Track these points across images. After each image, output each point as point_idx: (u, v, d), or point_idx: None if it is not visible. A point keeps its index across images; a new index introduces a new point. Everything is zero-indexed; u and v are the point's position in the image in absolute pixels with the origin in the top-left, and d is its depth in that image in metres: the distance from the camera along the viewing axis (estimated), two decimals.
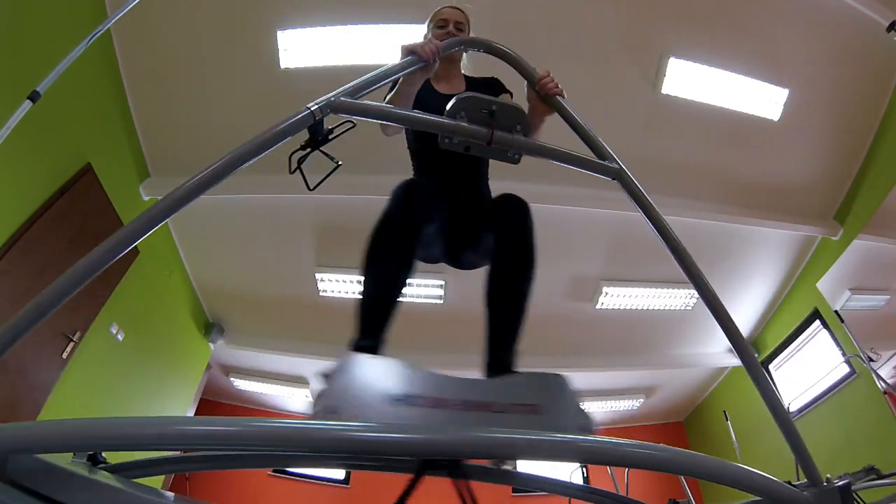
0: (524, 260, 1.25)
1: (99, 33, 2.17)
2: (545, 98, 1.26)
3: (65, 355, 2.93)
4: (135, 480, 1.02)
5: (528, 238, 1.27)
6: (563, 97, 1.26)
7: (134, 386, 3.76)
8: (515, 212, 1.30)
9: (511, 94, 1.57)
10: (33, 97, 1.95)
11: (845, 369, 3.89)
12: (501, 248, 1.28)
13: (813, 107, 3.63)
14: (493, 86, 1.64)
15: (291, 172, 1.05)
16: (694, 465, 0.75)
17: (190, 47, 3.28)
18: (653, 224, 1.06)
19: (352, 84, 1.06)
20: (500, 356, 1.14)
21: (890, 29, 2.87)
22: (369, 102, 1.07)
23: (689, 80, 3.42)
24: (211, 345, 4.99)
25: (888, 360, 3.37)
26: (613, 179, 1.12)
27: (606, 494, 1.37)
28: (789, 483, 0.80)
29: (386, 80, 1.16)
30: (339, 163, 1.10)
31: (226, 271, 4.58)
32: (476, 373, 1.12)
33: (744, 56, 3.37)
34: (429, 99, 1.39)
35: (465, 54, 1.67)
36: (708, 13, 3.24)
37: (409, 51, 1.22)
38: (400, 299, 1.17)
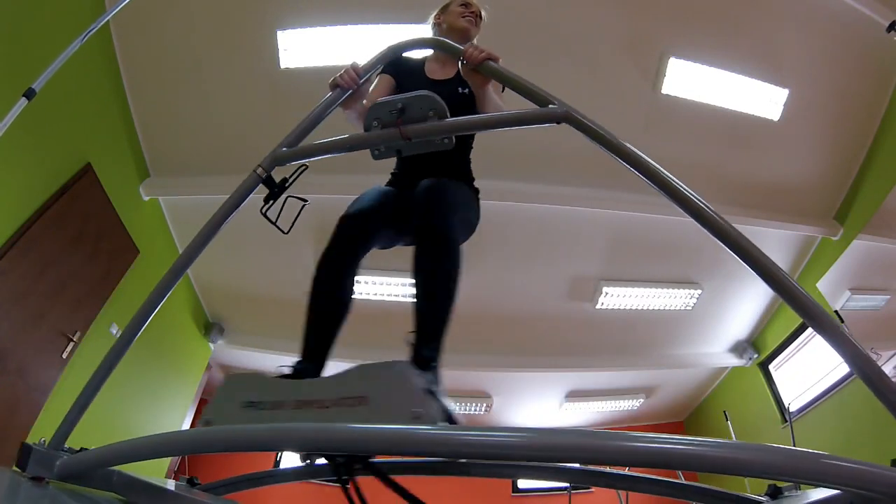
0: (433, 250, 1.23)
1: (96, 28, 2.16)
2: (476, 68, 1.27)
3: (65, 355, 2.93)
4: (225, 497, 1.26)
5: (436, 230, 1.24)
6: (496, 60, 1.26)
7: (134, 386, 3.76)
8: (429, 199, 1.29)
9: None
10: (29, 94, 1.93)
11: (845, 369, 3.89)
12: (416, 239, 1.28)
13: (813, 107, 3.63)
14: None
15: (271, 223, 1.18)
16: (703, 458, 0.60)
17: (190, 47, 3.28)
18: (615, 153, 1.02)
19: (289, 134, 1.19)
20: (419, 352, 1.12)
21: (890, 29, 2.87)
22: (307, 145, 1.19)
23: (689, 80, 3.42)
24: (211, 345, 4.99)
25: (888, 360, 3.37)
26: (560, 123, 1.07)
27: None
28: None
29: (320, 120, 1.24)
30: (307, 201, 1.22)
31: (226, 271, 4.58)
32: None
33: (744, 56, 3.37)
34: (417, 87, 1.39)
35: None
36: (708, 13, 3.24)
37: (333, 85, 1.31)
38: (339, 327, 1.26)
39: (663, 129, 3.63)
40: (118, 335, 1.05)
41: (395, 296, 4.39)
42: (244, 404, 0.93)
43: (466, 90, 1.49)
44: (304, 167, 1.19)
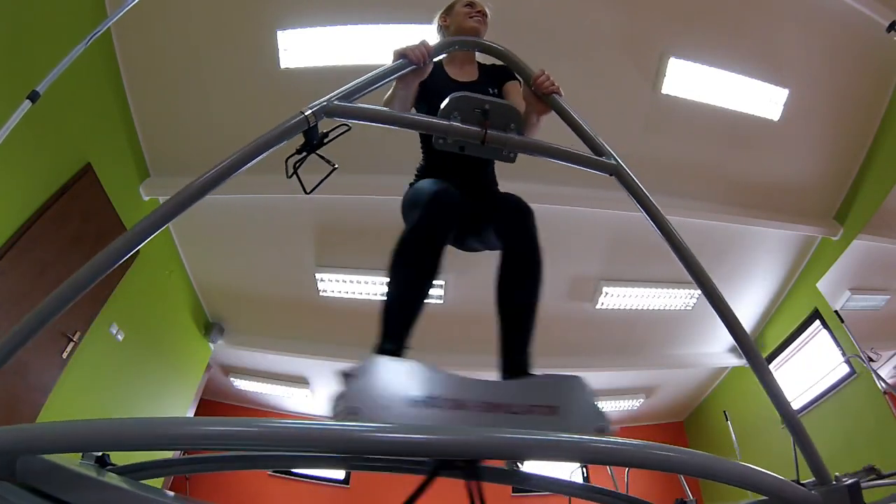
0: (532, 265, 1.27)
1: (99, 33, 2.17)
2: (542, 97, 1.26)
3: (65, 355, 2.93)
4: (142, 482, 1.05)
5: (534, 243, 1.29)
6: (560, 95, 1.26)
7: (134, 386, 3.76)
8: (521, 217, 1.32)
9: (521, 82, 1.58)
10: (33, 97, 1.94)
11: (845, 369, 3.89)
12: (509, 253, 1.30)
13: (813, 107, 3.63)
14: (504, 73, 1.65)
15: (289, 177, 1.07)
16: (702, 466, 0.74)
17: (190, 47, 3.28)
18: (652, 220, 1.06)
19: (345, 87, 1.07)
20: (514, 359, 1.16)
21: (890, 29, 2.87)
22: (364, 105, 1.08)
23: (689, 80, 3.42)
24: (211, 345, 4.99)
25: (888, 360, 3.37)
26: (611, 175, 1.12)
27: (612, 494, 1.38)
28: (797, 482, 0.79)
29: (379, 84, 1.16)
30: (336, 166, 1.11)
31: (226, 271, 4.58)
32: (479, 372, 1.12)
33: (744, 56, 3.37)
34: (444, 87, 1.39)
35: None
36: (708, 13, 3.23)
37: (400, 54, 1.23)
38: (424, 305, 1.20)
39: (663, 129, 3.62)
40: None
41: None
42: (409, 399, 0.83)
43: (495, 91, 1.51)
44: (347, 128, 1.08)
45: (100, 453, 1.06)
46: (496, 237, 1.35)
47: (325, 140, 1.05)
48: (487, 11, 1.66)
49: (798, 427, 0.93)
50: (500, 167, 1.54)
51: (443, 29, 1.68)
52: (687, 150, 3.69)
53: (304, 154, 1.05)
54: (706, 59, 3.36)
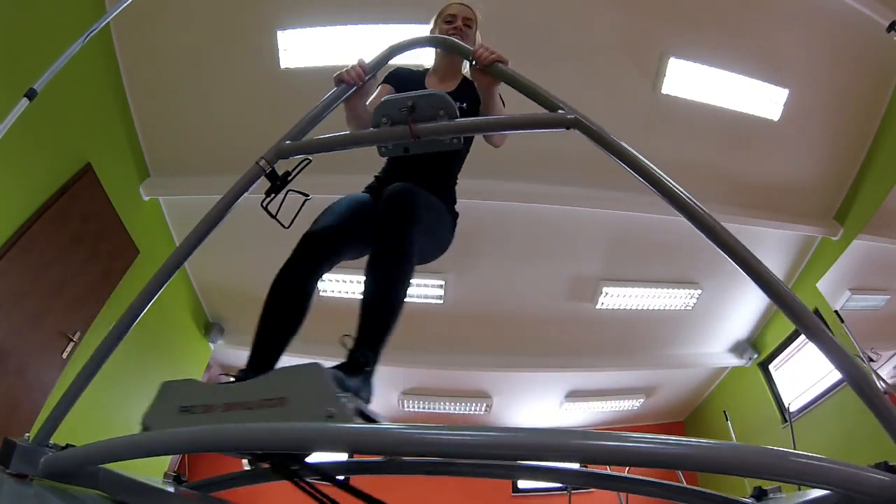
0: (388, 255, 1.24)
1: (96, 29, 2.17)
2: (485, 69, 1.26)
3: (65, 355, 2.93)
4: (212, 495, 1.27)
5: (398, 236, 1.24)
6: (505, 63, 1.25)
7: (133, 385, 3.75)
8: (389, 199, 1.29)
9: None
10: (30, 95, 1.93)
11: None
12: (374, 243, 1.28)
13: (813, 107, 3.63)
14: None
15: (272, 217, 1.16)
16: (734, 460, 0.63)
17: (190, 47, 3.28)
18: (627, 163, 1.02)
19: (293, 128, 1.16)
20: (351, 355, 1.12)
21: (890, 29, 2.87)
22: (311, 139, 1.17)
23: (689, 80, 3.42)
24: (211, 345, 4.99)
25: (888, 360, 3.37)
26: (569, 129, 1.07)
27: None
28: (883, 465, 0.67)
29: (324, 115, 1.22)
30: (309, 196, 1.18)
31: (226, 271, 4.58)
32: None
33: (744, 56, 3.37)
34: None
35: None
36: (708, 13, 3.24)
37: (338, 80, 1.28)
38: (286, 337, 1.27)
39: (663, 129, 3.62)
40: (110, 328, 1.05)
41: (411, 297, 4.38)
42: (180, 409, 0.97)
43: (465, 104, 1.48)
44: (307, 161, 1.16)
45: (175, 473, 1.31)
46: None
47: (289, 178, 1.14)
48: (473, 15, 1.64)
49: (872, 392, 0.81)
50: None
51: None
52: (687, 150, 3.69)
53: (273, 195, 1.14)
54: (706, 59, 3.36)
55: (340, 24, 3.14)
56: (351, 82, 1.28)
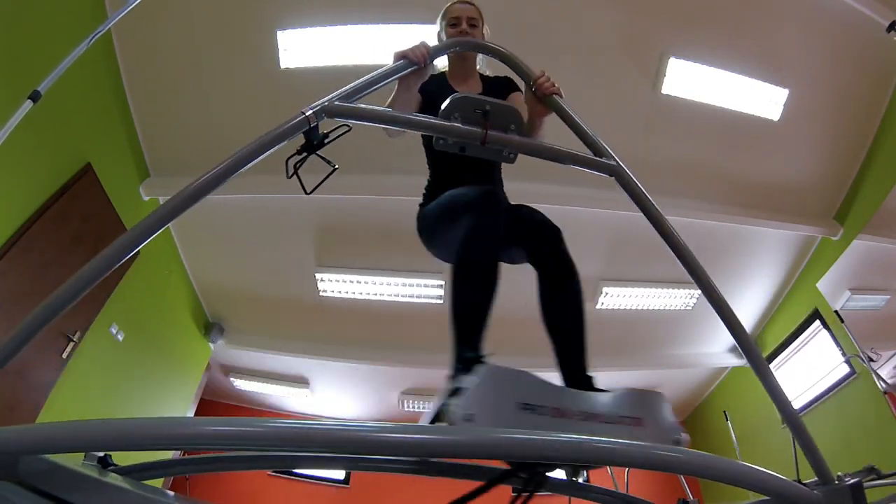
0: (573, 288, 1.32)
1: (100, 34, 2.17)
2: (542, 98, 1.26)
3: (65, 355, 2.93)
4: (144, 482, 1.06)
5: (570, 265, 1.33)
6: (561, 96, 1.26)
7: (134, 386, 3.76)
8: (555, 241, 1.37)
9: (522, 88, 1.57)
10: (34, 97, 1.95)
11: (845, 369, 3.89)
12: (549, 278, 1.35)
13: (813, 107, 3.63)
14: (506, 85, 1.65)
15: (289, 177, 1.07)
16: (702, 466, 0.76)
17: (190, 47, 3.28)
18: (651, 221, 1.07)
19: (346, 88, 1.07)
20: (575, 375, 1.19)
21: (890, 29, 2.87)
22: (364, 106, 1.08)
23: (689, 80, 3.42)
24: (211, 345, 4.99)
25: (888, 360, 3.37)
26: (610, 176, 1.12)
27: (611, 493, 1.39)
28: (798, 482, 0.80)
29: (380, 84, 1.17)
30: (336, 166, 1.12)
31: (226, 271, 4.58)
32: None
33: (744, 56, 3.37)
34: (445, 97, 1.39)
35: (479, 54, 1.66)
36: (708, 13, 3.23)
37: (400, 55, 1.24)
38: (491, 308, 1.22)
39: (663, 129, 3.62)
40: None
41: (411, 297, 4.41)
42: (520, 405, 0.87)
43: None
44: (347, 129, 1.08)
45: (102, 454, 1.07)
46: (528, 258, 1.40)
47: (326, 141, 1.05)
48: (478, 14, 1.65)
49: (799, 426, 0.93)
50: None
51: None
52: (687, 150, 3.69)
53: (305, 154, 1.05)
54: (706, 59, 3.36)
55: (340, 24, 3.14)
56: (416, 60, 1.24)
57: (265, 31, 3.18)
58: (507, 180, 1.67)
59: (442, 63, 1.70)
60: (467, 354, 1.11)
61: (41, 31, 2.61)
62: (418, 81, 1.33)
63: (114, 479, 0.94)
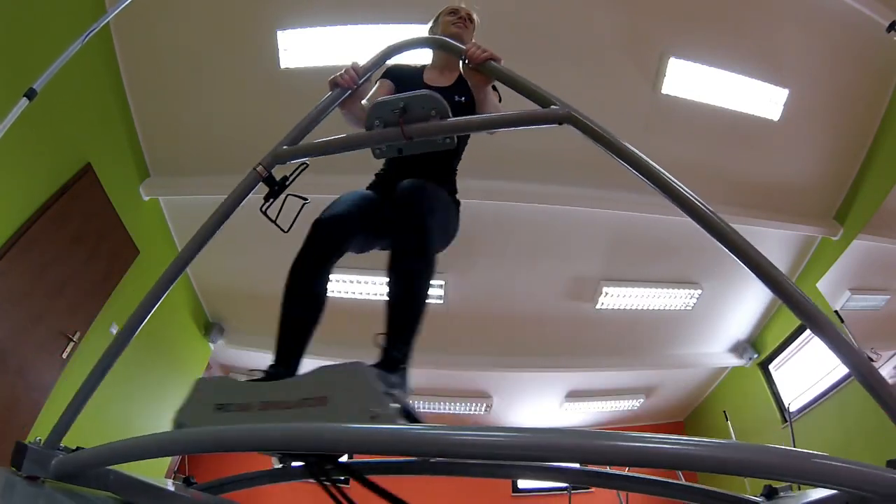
0: (409, 251, 1.24)
1: (95, 29, 2.17)
2: (478, 67, 1.27)
3: (65, 355, 2.93)
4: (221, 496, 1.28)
5: (414, 235, 1.25)
6: (497, 60, 1.26)
7: (134, 386, 3.76)
8: (404, 195, 1.30)
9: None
10: (30, 94, 1.94)
11: (845, 369, 3.88)
12: (393, 241, 1.29)
13: (813, 107, 3.63)
14: None
15: (271, 221, 1.18)
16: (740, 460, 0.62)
17: (190, 47, 3.28)
18: (615, 153, 1.02)
19: (290, 132, 1.18)
20: (386, 354, 1.12)
21: (890, 29, 2.87)
22: (308, 143, 1.19)
23: (689, 80, 3.42)
24: (211, 345, 4.99)
25: (888, 360, 3.37)
26: (562, 124, 1.07)
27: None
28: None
29: (320, 119, 1.24)
30: (308, 200, 1.22)
31: (226, 271, 4.58)
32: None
33: (744, 56, 3.37)
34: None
35: None
36: (708, 13, 3.24)
37: (332, 84, 1.30)
38: (312, 325, 1.28)
39: (663, 129, 3.62)
40: (117, 334, 1.04)
41: (379, 295, 4.39)
42: (215, 407, 0.96)
43: (464, 98, 1.49)
44: (304, 165, 1.18)
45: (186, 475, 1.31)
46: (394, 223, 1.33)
47: (287, 182, 1.15)
48: (474, 16, 1.67)
49: (884, 389, 0.81)
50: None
51: None
52: (687, 150, 3.69)
53: (272, 200, 1.15)
54: (706, 59, 3.36)
55: (340, 24, 3.14)
56: (345, 86, 1.29)
57: (265, 31, 3.18)
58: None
59: (428, 57, 1.73)
60: (271, 370, 1.17)
61: (40, 30, 2.60)
62: (356, 103, 1.38)
63: (192, 493, 1.11)
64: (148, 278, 3.67)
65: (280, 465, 1.26)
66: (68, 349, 2.94)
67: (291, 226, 1.19)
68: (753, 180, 3.93)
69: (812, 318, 0.88)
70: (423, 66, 1.70)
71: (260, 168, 1.12)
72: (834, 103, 3.64)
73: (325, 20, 3.14)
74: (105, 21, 2.30)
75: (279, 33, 3.18)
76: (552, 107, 1.08)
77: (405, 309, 1.19)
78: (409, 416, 0.93)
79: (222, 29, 3.23)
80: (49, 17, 2.66)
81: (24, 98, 1.93)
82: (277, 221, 1.17)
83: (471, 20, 1.64)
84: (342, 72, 1.30)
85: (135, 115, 3.50)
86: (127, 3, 2.27)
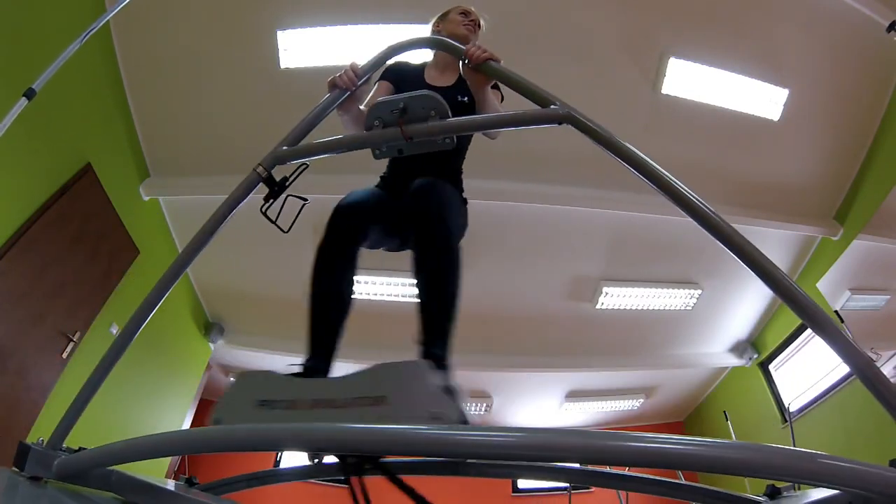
0: (436, 248, 1.23)
1: (94, 29, 2.16)
2: (478, 68, 1.27)
3: (65, 355, 2.93)
4: (223, 497, 1.27)
5: (435, 238, 1.24)
6: (497, 61, 1.27)
7: (134, 386, 3.75)
8: (425, 203, 1.28)
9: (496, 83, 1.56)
10: (29, 94, 1.93)
11: (845, 369, 3.88)
12: (416, 240, 1.28)
13: (813, 107, 3.63)
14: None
15: (271, 222, 1.18)
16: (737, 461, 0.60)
17: (190, 47, 3.28)
18: (619, 157, 1.02)
19: (290, 133, 1.19)
20: (424, 351, 1.10)
21: (890, 29, 2.87)
22: (308, 143, 1.19)
23: (689, 80, 3.42)
24: (211, 345, 4.99)
25: (888, 360, 3.37)
26: (561, 124, 1.07)
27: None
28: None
29: (319, 120, 1.24)
30: (308, 201, 1.21)
31: (226, 271, 4.58)
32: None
33: (744, 56, 3.37)
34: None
35: None
36: (708, 13, 3.24)
37: (331, 85, 1.30)
38: (341, 317, 1.23)
39: (663, 129, 3.63)
40: (118, 335, 1.05)
41: (394, 296, 4.40)
42: (257, 403, 0.91)
43: (465, 98, 1.49)
44: (304, 166, 1.18)
45: (188, 475, 1.28)
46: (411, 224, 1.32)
47: (287, 183, 1.15)
48: (482, 23, 1.68)
49: (885, 387, 0.81)
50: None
51: (436, 34, 1.69)
52: (687, 149, 3.69)
53: (272, 201, 1.15)
54: (706, 59, 3.36)
55: (340, 24, 3.14)
56: (343, 87, 1.29)
57: (265, 31, 3.18)
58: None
59: (429, 55, 1.73)
60: (308, 364, 1.15)
61: (39, 29, 2.60)
62: (355, 104, 1.37)
63: (194, 493, 1.07)
64: (148, 278, 3.67)
65: (311, 462, 1.20)
66: (68, 349, 2.94)
67: (291, 226, 1.19)
68: (753, 180, 3.93)
69: (812, 317, 0.86)
70: (424, 64, 1.70)
71: (260, 168, 1.13)
72: (834, 103, 3.64)
73: (325, 20, 3.14)
74: (105, 20, 2.29)
75: (279, 33, 3.18)
76: (552, 107, 1.09)
77: (442, 306, 1.18)
78: (464, 417, 0.90)
79: (222, 29, 3.22)
80: (48, 16, 2.66)
81: (24, 98, 1.92)
82: (277, 222, 1.16)
83: (478, 26, 1.65)
84: (340, 73, 1.30)
85: (135, 115, 3.50)
86: (126, 2, 2.27)
